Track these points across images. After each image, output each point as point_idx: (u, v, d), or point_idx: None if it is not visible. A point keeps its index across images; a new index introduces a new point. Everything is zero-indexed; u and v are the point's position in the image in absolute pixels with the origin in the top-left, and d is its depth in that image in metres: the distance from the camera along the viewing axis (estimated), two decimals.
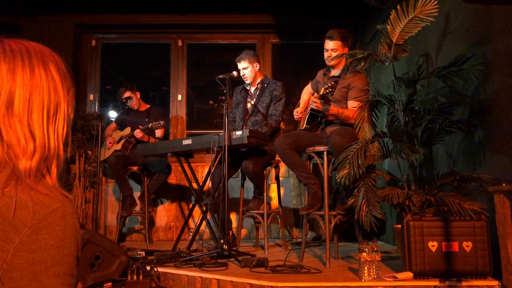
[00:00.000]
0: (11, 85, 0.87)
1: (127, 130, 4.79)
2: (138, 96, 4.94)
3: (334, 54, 3.40)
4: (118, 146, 4.67)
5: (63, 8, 5.39)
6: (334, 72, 3.52)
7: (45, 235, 0.80)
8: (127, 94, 4.85)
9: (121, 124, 4.99)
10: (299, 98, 3.86)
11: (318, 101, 3.15)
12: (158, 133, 4.71)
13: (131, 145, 4.67)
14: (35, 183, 0.84)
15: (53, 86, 0.92)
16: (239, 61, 4.06)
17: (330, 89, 3.09)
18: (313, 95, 3.79)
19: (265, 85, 4.07)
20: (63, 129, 0.93)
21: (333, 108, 3.25)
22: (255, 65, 4.08)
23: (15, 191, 0.81)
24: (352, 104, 3.32)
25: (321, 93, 3.11)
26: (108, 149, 4.79)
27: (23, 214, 0.79)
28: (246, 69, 4.04)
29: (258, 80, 4.13)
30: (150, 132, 4.64)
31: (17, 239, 0.78)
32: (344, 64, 3.49)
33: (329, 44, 3.41)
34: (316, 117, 3.41)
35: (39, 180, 0.86)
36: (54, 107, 0.91)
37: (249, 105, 4.12)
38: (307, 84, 3.86)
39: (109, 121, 5.42)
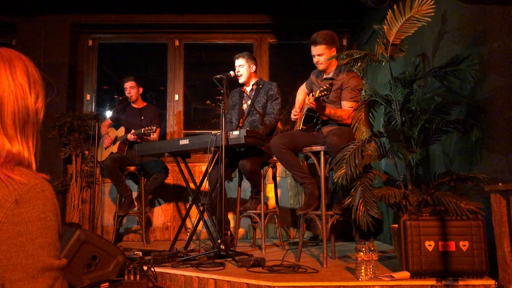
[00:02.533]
0: None
1: (122, 130, 4.78)
2: (140, 92, 4.92)
3: (321, 59, 3.39)
4: (115, 149, 4.66)
5: (59, 7, 5.38)
6: (327, 74, 3.51)
7: (27, 208, 0.85)
8: (131, 83, 4.82)
9: (116, 120, 4.97)
10: (295, 97, 3.87)
11: (314, 102, 3.15)
12: (152, 136, 4.65)
13: (127, 146, 4.66)
14: (11, 167, 0.89)
15: (21, 93, 0.94)
16: (237, 58, 4.14)
17: (325, 92, 3.06)
18: (308, 95, 3.79)
19: (260, 86, 4.12)
20: (33, 141, 0.96)
21: (326, 109, 3.25)
22: (251, 65, 4.14)
23: None
24: (346, 104, 3.31)
25: (316, 96, 3.11)
26: (105, 149, 4.78)
27: (4, 191, 0.84)
28: (242, 66, 4.11)
29: (253, 81, 4.17)
30: (144, 135, 4.59)
31: (1, 214, 0.83)
32: (336, 65, 3.46)
33: (314, 50, 3.39)
34: (312, 118, 3.42)
35: (14, 166, 0.90)
36: (24, 116, 0.93)
37: (245, 106, 4.15)
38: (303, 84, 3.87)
39: None
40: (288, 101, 5.50)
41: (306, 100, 3.27)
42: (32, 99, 0.96)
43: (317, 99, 3.11)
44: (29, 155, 0.94)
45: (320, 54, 3.37)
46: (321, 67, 3.45)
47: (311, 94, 3.30)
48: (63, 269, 0.89)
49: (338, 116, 3.26)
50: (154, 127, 4.42)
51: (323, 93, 3.06)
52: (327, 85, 3.09)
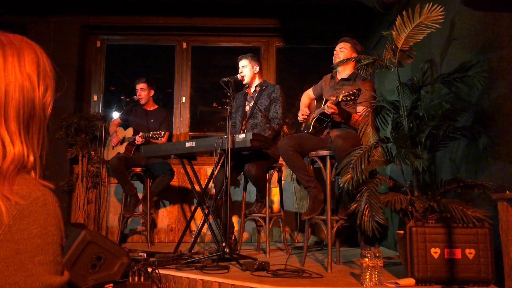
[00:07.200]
0: None
1: (130, 130, 4.78)
2: (151, 94, 4.91)
3: (340, 54, 3.48)
4: (122, 149, 4.67)
5: (69, 9, 5.42)
6: (342, 75, 3.52)
7: (27, 225, 0.79)
8: (142, 85, 4.83)
9: (125, 120, 4.97)
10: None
11: (335, 107, 3.11)
12: (161, 140, 4.59)
13: (134, 148, 4.68)
14: (12, 178, 0.82)
15: (28, 85, 0.86)
16: (241, 59, 4.15)
17: (351, 97, 3.00)
18: (314, 99, 3.80)
19: (264, 88, 4.11)
20: (39, 139, 0.88)
21: (354, 116, 3.27)
22: (254, 66, 4.12)
23: None
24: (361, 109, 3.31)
25: (339, 99, 3.05)
26: (112, 148, 4.79)
27: (3, 206, 0.78)
28: (245, 67, 4.10)
29: (257, 83, 4.16)
30: (151, 139, 4.59)
31: (0, 231, 0.77)
32: (352, 70, 3.51)
33: (339, 45, 3.52)
34: (323, 122, 3.41)
35: (17, 174, 0.83)
36: (29, 111, 0.86)
37: (247, 107, 4.15)
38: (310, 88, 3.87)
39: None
40: (294, 105, 5.50)
41: (328, 104, 3.18)
42: (40, 92, 0.88)
43: (338, 103, 3.08)
44: (34, 156, 0.86)
45: (341, 48, 3.51)
46: (336, 61, 3.49)
47: (335, 98, 3.20)
48: (63, 286, 0.83)
49: (356, 121, 3.27)
50: (163, 132, 4.42)
51: (347, 98, 3.01)
52: (355, 90, 3.01)
